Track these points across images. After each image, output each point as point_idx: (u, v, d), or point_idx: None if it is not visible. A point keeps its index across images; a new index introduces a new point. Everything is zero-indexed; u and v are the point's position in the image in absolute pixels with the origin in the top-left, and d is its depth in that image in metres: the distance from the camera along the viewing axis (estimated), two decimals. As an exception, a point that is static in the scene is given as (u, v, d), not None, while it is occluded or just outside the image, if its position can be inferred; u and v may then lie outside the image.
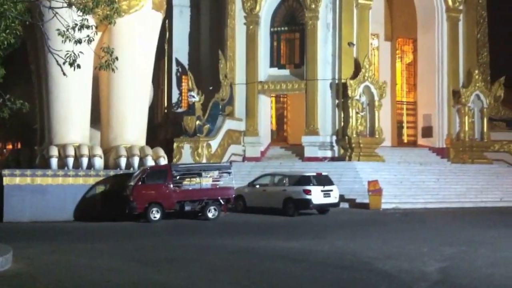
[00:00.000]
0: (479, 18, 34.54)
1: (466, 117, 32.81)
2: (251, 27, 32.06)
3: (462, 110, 32.81)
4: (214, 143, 29.67)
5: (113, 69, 11.44)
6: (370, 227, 18.80)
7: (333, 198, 22.08)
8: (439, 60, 33.26)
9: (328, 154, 30.29)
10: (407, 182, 28.02)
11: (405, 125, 35.12)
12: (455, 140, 32.76)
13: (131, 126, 23.66)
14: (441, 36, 33.18)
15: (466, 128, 32.77)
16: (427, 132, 33.57)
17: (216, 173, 21.72)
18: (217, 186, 21.55)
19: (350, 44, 30.48)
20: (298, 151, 30.98)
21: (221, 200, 20.89)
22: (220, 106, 31.03)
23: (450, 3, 32.83)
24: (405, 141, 34.94)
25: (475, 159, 32.32)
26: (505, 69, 34.51)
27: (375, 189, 24.20)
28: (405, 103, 35.34)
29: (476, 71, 33.09)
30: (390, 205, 24.75)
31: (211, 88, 32.14)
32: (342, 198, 23.53)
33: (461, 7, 33.18)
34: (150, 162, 22.57)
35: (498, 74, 33.96)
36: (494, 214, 23.24)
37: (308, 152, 30.26)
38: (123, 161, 22.33)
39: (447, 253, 12.78)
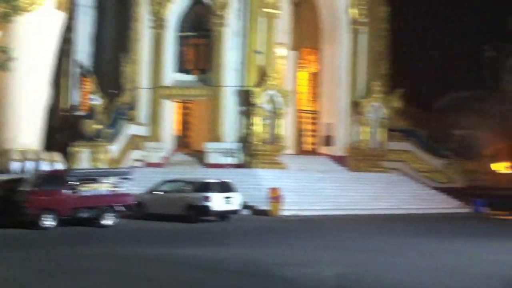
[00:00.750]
0: (381, 31, 35.94)
1: (365, 127, 34.04)
2: (157, 30, 31.64)
3: (361, 120, 34.01)
4: (115, 148, 28.97)
5: (9, 69, 10.86)
6: (271, 234, 19.00)
7: (235, 205, 22.14)
8: (342, 71, 34.35)
9: (232, 161, 30.40)
10: (307, 190, 28.57)
11: (307, 133, 35.93)
12: (354, 149, 33.89)
13: (26, 129, 22.67)
14: (344, 47, 34.30)
15: (365, 138, 33.99)
16: (328, 140, 34.53)
17: (115, 179, 21.07)
18: (116, 192, 20.92)
19: (257, 52, 30.81)
20: (202, 157, 30.86)
21: (119, 207, 20.33)
22: (123, 111, 30.35)
23: (353, 15, 33.99)
24: (307, 149, 35.74)
25: (373, 168, 33.57)
26: (405, 81, 36.09)
27: (275, 196, 24.54)
28: (308, 112, 36.14)
29: (377, 83, 34.41)
30: (290, 212, 25.14)
31: (114, 91, 31.34)
32: (243, 205, 23.63)
33: (364, 20, 34.40)
34: (45, 166, 21.66)
35: (398, 86, 35.46)
36: (389, 221, 24.20)
37: (212, 158, 30.22)
38: (16, 165, 21.29)
39: (345, 260, 13.08)
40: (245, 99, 30.53)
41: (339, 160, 33.69)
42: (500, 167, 42.34)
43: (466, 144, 37.35)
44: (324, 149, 34.74)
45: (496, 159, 41.01)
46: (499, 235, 20.26)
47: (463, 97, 40.83)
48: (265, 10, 30.92)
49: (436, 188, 33.66)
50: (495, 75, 38.65)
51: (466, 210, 31.56)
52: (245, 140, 30.41)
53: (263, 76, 30.67)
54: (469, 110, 39.10)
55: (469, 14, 43.86)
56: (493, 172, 40.71)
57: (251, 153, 30.09)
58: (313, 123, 35.87)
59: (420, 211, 28.83)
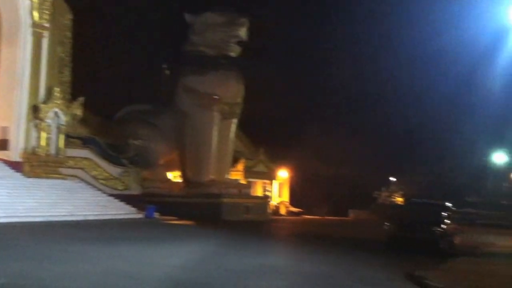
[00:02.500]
0: (64, 38, 35.55)
1: (44, 133, 33.22)
2: None
3: (40, 125, 33.09)
4: None
5: None
6: None
7: None
8: (21, 74, 32.88)
9: None
10: (-24, 197, 26.64)
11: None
12: (31, 155, 32.76)
13: None
14: (25, 50, 32.95)
15: (43, 143, 33.17)
16: (3, 145, 32.65)
17: None
18: None
19: None
20: None
21: None
22: None
23: (35, 18, 32.91)
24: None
25: (50, 174, 32.92)
26: (87, 90, 36.36)
27: None
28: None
29: (57, 89, 33.91)
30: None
31: None
32: None
33: (47, 25, 33.55)
34: None
35: (80, 94, 35.49)
36: (65, 228, 23.98)
37: None
38: None
39: (11, 269, 12.63)
40: None
41: (15, 165, 32.12)
42: (171, 176, 45.84)
43: (142, 153, 39.51)
44: (-2, 154, 32.75)
45: (169, 168, 44.31)
46: (167, 239, 21.86)
47: (142, 110, 43.17)
48: None
49: (113, 195, 34.70)
50: (171, 92, 41.87)
51: (140, 216, 33.32)
52: None
53: None
54: (146, 122, 41.52)
55: (155, 32, 46.59)
56: (166, 180, 43.88)
57: None
58: (-12, 126, 33.52)
59: (97, 217, 29.36)
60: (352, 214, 60.70)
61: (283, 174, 57.62)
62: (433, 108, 61.18)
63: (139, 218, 32.54)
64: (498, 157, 58.12)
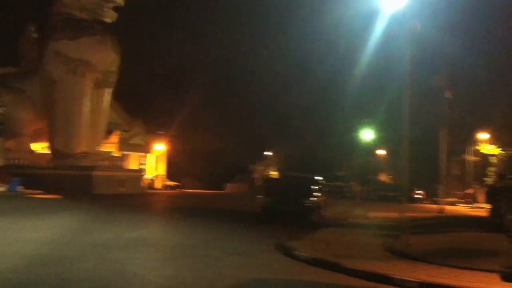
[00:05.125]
0: None
1: None
2: None
3: None
4: None
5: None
6: None
7: None
8: None
9: None
10: None
11: None
12: None
13: None
14: None
15: None
16: None
17: None
18: None
19: None
20: None
21: None
22: None
23: None
24: None
25: None
26: None
27: None
28: None
29: None
30: None
31: None
32: None
33: None
34: None
35: None
36: None
37: None
38: None
39: None
40: None
41: None
42: (39, 146, 43.29)
43: (6, 121, 36.78)
44: None
45: (36, 139, 41.76)
46: (31, 214, 20.54)
47: (6, 73, 40.07)
48: None
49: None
50: (39, 56, 39.17)
51: (2, 189, 31.29)
52: None
53: None
54: (11, 87, 38.61)
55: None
56: (32, 151, 41.38)
57: None
58: None
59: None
60: (228, 187, 61.33)
61: (160, 147, 56.74)
62: (313, 85, 63.15)
63: (1, 192, 30.56)
64: (366, 134, 61.32)
